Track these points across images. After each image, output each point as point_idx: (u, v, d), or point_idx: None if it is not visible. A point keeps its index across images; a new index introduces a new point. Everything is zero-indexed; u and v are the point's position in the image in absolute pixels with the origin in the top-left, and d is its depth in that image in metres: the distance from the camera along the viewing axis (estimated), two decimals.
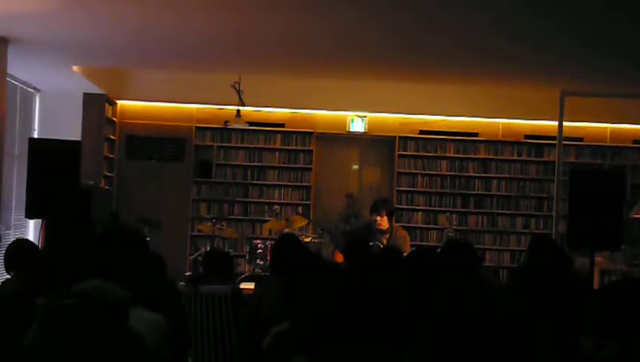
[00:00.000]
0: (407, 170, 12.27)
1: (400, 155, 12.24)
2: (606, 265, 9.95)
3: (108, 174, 11.87)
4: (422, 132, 12.23)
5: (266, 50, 8.78)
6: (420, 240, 11.99)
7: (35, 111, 11.43)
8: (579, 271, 5.45)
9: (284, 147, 12.25)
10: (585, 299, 3.51)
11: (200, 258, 9.00)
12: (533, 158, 12.24)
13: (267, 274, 8.24)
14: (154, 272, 4.79)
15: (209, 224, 10.19)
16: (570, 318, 3.30)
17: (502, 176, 12.23)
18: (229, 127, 11.43)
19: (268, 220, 10.96)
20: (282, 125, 12.22)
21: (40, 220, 8.35)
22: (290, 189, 12.26)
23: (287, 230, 9.45)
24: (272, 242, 7.99)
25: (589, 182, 7.47)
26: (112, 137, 12.03)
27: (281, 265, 5.69)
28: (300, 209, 11.95)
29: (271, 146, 12.25)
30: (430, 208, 12.25)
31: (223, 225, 10.47)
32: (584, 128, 12.07)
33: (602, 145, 12.19)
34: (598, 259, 8.58)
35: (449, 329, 3.35)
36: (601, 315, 3.31)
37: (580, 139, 12.12)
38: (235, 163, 12.26)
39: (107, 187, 11.40)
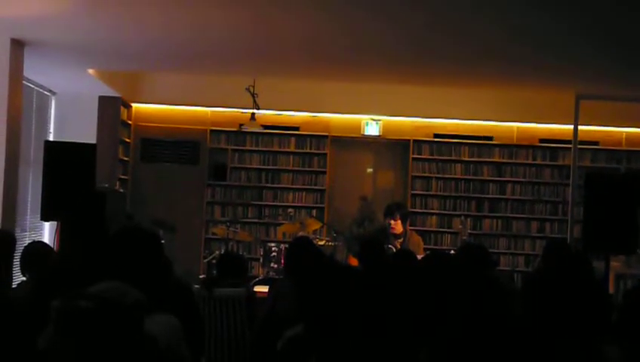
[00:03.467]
0: (421, 174, 12.25)
1: (414, 159, 12.23)
2: (621, 270, 9.90)
3: (123, 177, 11.90)
4: (436, 135, 12.21)
5: (280, 53, 8.79)
6: (434, 244, 11.97)
7: (50, 114, 11.48)
8: (596, 274, 5.43)
9: (298, 150, 12.25)
10: (605, 304, 3.48)
11: (214, 261, 9.02)
12: (548, 162, 12.21)
13: (281, 277, 8.25)
14: (166, 274, 4.79)
15: (223, 227, 10.21)
16: (592, 325, 3.28)
17: (516, 179, 12.21)
18: (243, 130, 11.46)
19: (282, 223, 10.98)
20: (297, 128, 12.23)
21: (55, 223, 8.38)
22: (304, 192, 12.27)
23: (301, 233, 9.46)
24: (286, 245, 7.99)
25: (604, 187, 7.43)
26: (127, 140, 12.06)
27: (294, 268, 5.70)
28: (314, 212, 11.95)
29: (285, 149, 12.26)
30: (444, 212, 12.23)
31: (237, 228, 10.50)
32: (599, 132, 12.03)
33: (618, 149, 12.14)
34: (613, 263, 8.54)
35: (463, 332, 3.35)
36: (627, 323, 3.29)
37: (596, 143, 12.08)
38: (249, 166, 12.27)
39: (122, 190, 11.43)
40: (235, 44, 8.28)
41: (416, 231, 10.02)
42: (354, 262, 8.06)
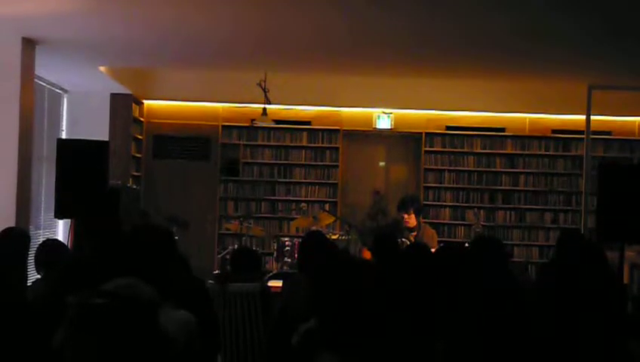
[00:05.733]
0: (434, 166, 12.24)
1: (427, 151, 12.21)
2: (636, 259, 9.86)
3: (136, 174, 11.93)
4: (448, 128, 12.19)
5: (291, 47, 8.79)
6: (448, 237, 11.95)
7: (62, 112, 11.51)
8: (611, 265, 5.42)
9: (310, 145, 12.26)
10: (620, 295, 3.48)
11: (228, 256, 9.03)
12: (560, 153, 12.17)
13: (295, 271, 8.25)
14: (180, 270, 4.80)
15: (236, 222, 10.22)
16: (608, 315, 3.27)
17: (529, 171, 12.17)
18: (255, 125, 11.45)
19: (295, 218, 10.97)
20: (308, 123, 12.23)
21: (69, 220, 8.41)
22: (316, 187, 12.27)
23: (314, 227, 9.46)
24: (300, 239, 8.00)
25: (617, 176, 7.40)
26: (139, 137, 12.09)
27: (308, 262, 5.70)
28: (326, 206, 11.94)
29: (297, 144, 12.26)
30: (457, 204, 12.21)
31: (250, 223, 10.50)
32: (612, 122, 11.98)
33: (631, 139, 12.09)
34: (627, 253, 8.51)
35: (478, 324, 3.35)
36: None
37: (608, 133, 12.03)
38: (261, 161, 12.28)
39: (135, 186, 11.46)
40: (245, 39, 8.29)
41: (430, 223, 10.00)
42: (367, 255, 8.05)
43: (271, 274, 9.09)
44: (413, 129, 12.22)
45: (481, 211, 11.84)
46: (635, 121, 12.08)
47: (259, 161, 12.29)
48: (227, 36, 8.19)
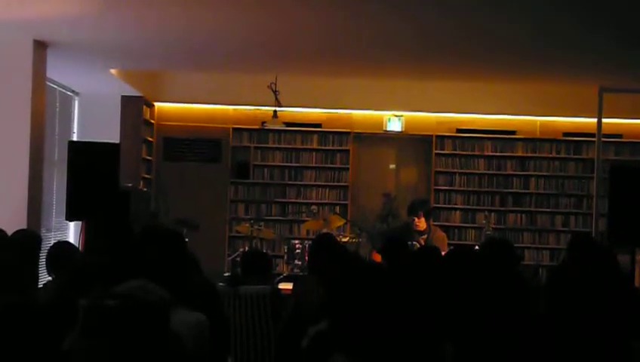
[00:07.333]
0: (444, 169, 12.21)
1: (437, 154, 12.19)
2: None
3: (146, 176, 11.95)
4: (459, 130, 12.17)
5: (302, 50, 8.80)
6: (458, 239, 11.93)
7: (74, 114, 11.54)
8: (622, 268, 5.40)
9: (320, 147, 12.25)
10: (631, 298, 3.46)
11: (238, 259, 9.04)
12: (571, 156, 12.13)
13: (305, 274, 8.26)
14: (191, 272, 4.81)
15: (247, 225, 10.22)
16: (619, 319, 3.26)
17: (540, 174, 12.14)
18: (265, 127, 11.46)
19: (305, 220, 10.98)
20: (319, 125, 12.23)
21: (80, 222, 8.43)
22: (327, 189, 12.26)
23: (324, 230, 9.46)
24: (310, 242, 8.00)
25: (628, 179, 7.40)
26: (150, 139, 12.11)
27: (318, 265, 5.70)
28: (337, 209, 11.94)
29: (308, 146, 12.26)
30: (468, 207, 12.18)
31: (260, 226, 10.51)
32: (623, 125, 11.92)
33: None
34: (638, 256, 8.50)
35: (488, 327, 3.34)
36: None
37: (620, 136, 11.97)
38: (272, 163, 12.28)
39: (146, 189, 11.47)
40: (256, 42, 8.30)
41: (440, 226, 9.99)
42: (378, 258, 8.05)
43: (281, 276, 9.11)
44: (423, 131, 12.21)
45: (492, 214, 11.79)
46: None
47: (269, 163, 12.29)
48: (238, 39, 8.20)
